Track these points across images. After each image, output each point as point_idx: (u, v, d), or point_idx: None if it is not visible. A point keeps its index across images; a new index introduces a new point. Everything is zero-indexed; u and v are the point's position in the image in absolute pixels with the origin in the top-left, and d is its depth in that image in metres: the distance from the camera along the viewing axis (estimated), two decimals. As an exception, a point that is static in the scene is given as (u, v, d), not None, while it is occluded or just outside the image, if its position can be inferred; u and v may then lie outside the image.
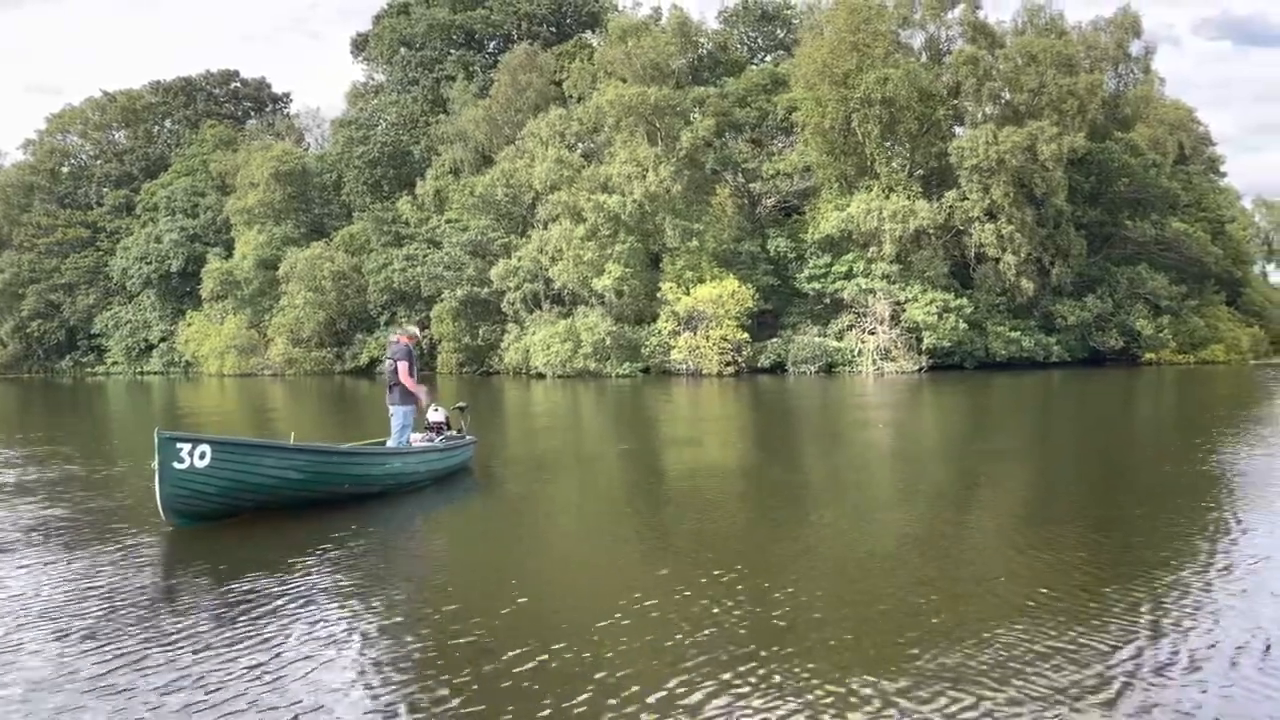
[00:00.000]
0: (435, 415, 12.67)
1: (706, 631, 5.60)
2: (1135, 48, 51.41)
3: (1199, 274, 49.69)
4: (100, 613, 6.17)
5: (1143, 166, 47.77)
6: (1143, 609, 5.90)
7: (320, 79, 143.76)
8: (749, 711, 4.48)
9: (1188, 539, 7.88)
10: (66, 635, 5.73)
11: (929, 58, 48.51)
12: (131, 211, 74.77)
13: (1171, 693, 4.61)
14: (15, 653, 5.44)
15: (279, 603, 6.32)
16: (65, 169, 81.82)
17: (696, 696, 4.63)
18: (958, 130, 47.52)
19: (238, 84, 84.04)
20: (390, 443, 11.70)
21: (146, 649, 5.43)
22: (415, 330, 13.00)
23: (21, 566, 7.63)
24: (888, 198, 43.98)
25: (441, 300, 51.21)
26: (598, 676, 4.89)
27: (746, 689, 4.74)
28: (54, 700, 4.73)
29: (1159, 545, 7.67)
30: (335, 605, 6.31)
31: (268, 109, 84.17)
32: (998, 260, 44.43)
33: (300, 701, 4.66)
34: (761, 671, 4.94)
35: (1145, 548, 7.60)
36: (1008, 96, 45.47)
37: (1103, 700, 4.55)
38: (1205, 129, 65.06)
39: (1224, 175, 68.81)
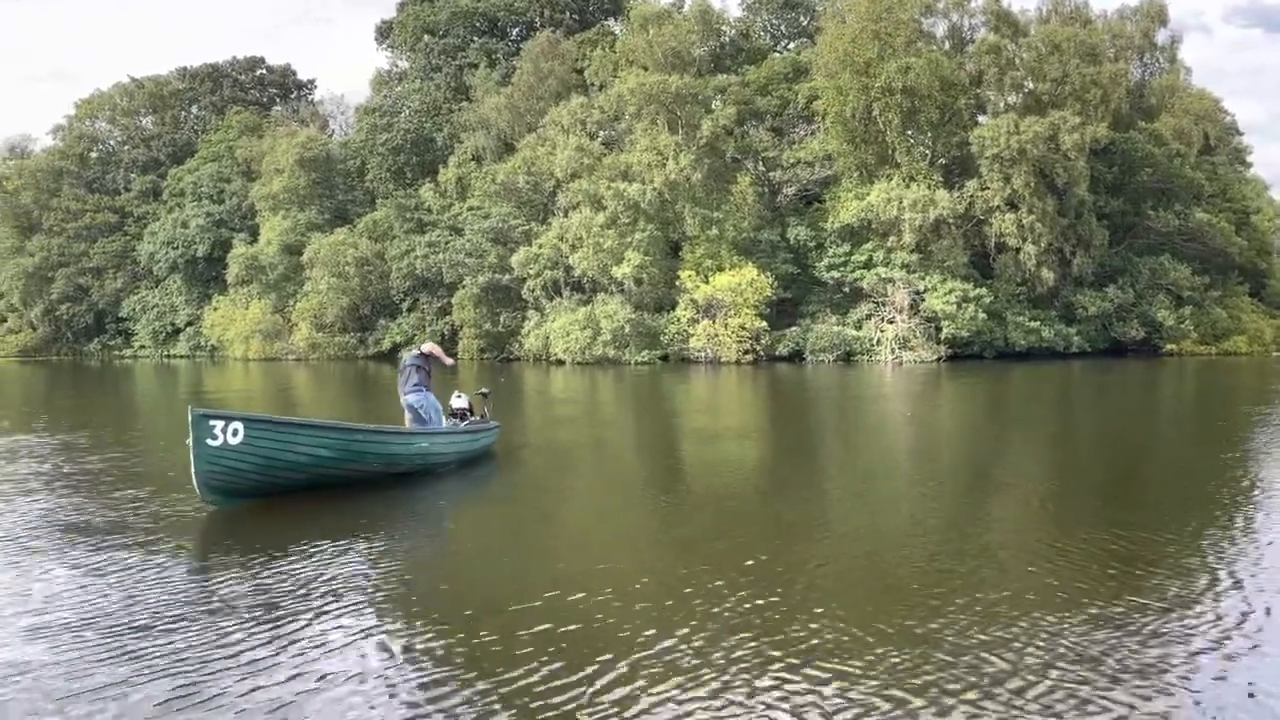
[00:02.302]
0: (458, 401, 12.96)
1: (725, 611, 5.76)
2: (1161, 37, 51.14)
3: (1222, 265, 49.37)
4: (132, 593, 6.39)
5: (1166, 156, 47.49)
6: (1169, 593, 6.03)
7: (332, 64, 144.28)
8: (769, 690, 4.60)
9: (1214, 531, 7.88)
10: (100, 614, 5.94)
11: (951, 46, 48.32)
12: (158, 197, 75.62)
13: (1200, 677, 4.71)
14: (49, 630, 5.62)
15: (308, 584, 6.51)
16: (94, 154, 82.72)
17: (714, 678, 4.75)
18: (980, 119, 47.35)
19: (263, 70, 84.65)
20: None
21: (175, 630, 5.61)
22: (432, 347, 12.44)
23: (57, 544, 8.00)
24: (908, 187, 43.94)
25: (463, 287, 51.65)
26: (620, 660, 5.01)
27: (764, 670, 4.87)
28: (85, 676, 4.89)
29: (1184, 536, 7.67)
30: (364, 587, 6.49)
31: (293, 95, 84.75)
32: (1018, 250, 44.34)
33: (326, 681, 4.84)
34: (779, 654, 5.07)
35: (1171, 539, 7.57)
36: (1030, 86, 45.29)
37: (1118, 678, 4.70)
38: (1232, 118, 64.34)
39: (1250, 165, 68.04)
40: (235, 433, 8.77)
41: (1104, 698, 4.49)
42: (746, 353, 43.48)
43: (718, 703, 4.48)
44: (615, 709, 4.42)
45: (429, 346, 12.11)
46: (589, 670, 4.87)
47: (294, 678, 4.84)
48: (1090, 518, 8.58)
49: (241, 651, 5.17)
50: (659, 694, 4.58)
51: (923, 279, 43.91)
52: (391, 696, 4.60)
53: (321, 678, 4.83)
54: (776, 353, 44.80)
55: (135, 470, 12.08)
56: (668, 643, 5.24)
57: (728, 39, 56.19)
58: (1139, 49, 50.33)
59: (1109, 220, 46.98)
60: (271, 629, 5.54)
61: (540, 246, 48.64)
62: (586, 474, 12.23)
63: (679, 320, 45.26)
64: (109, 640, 5.38)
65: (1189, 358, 43.99)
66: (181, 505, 9.25)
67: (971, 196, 44.26)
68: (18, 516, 8.97)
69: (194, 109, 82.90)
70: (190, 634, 5.47)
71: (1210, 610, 5.73)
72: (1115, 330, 45.93)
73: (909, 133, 45.67)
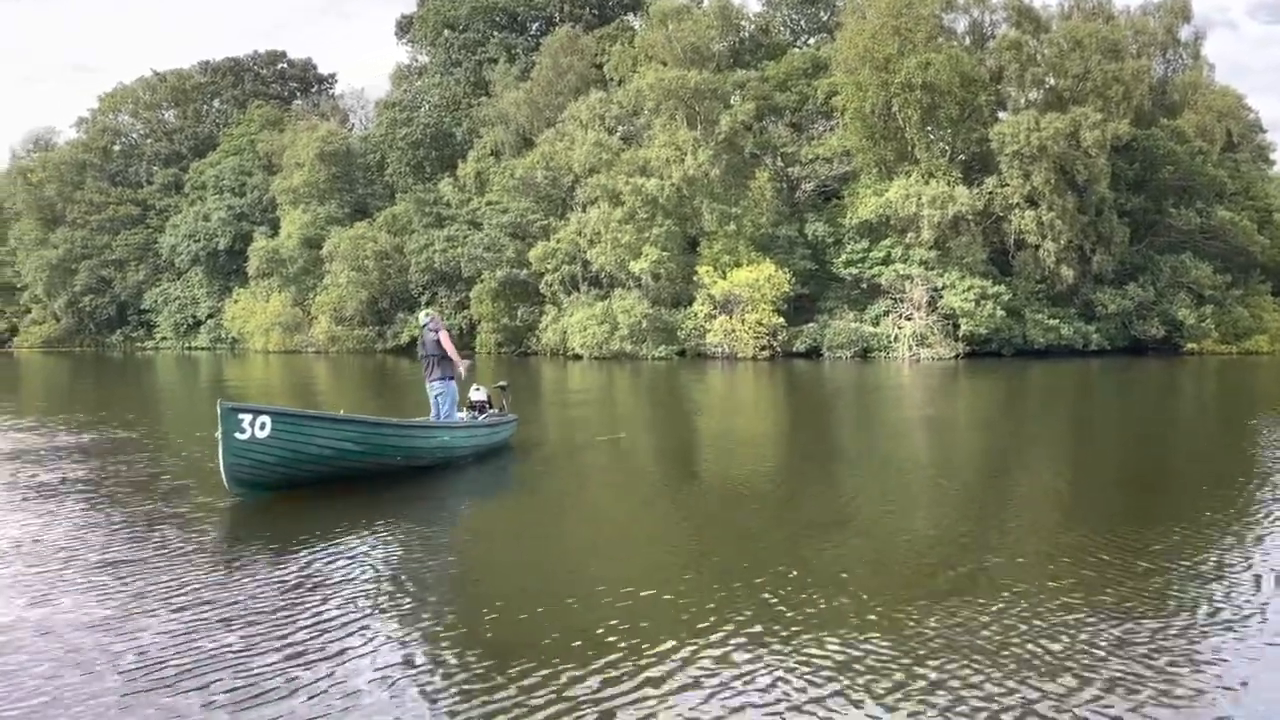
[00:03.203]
0: (477, 394, 13.11)
1: (742, 606, 5.86)
2: (1185, 33, 50.67)
3: (1244, 263, 48.91)
4: (161, 582, 6.57)
5: (1189, 154, 47.12)
6: (1191, 590, 6.12)
7: (353, 57, 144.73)
8: (788, 681, 4.68)
9: (1237, 527, 7.89)
10: (129, 600, 6.14)
11: (972, 42, 48.07)
12: (180, 190, 76.26)
13: (1223, 671, 4.80)
14: (79, 613, 5.79)
15: (332, 575, 6.66)
16: (116, 147, 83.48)
17: (731, 668, 4.84)
18: (1000, 116, 47.13)
19: (284, 64, 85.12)
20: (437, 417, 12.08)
21: (202, 616, 5.77)
22: (431, 310, 13.06)
23: (86, 534, 8.21)
24: (927, 183, 43.79)
25: (481, 281, 51.87)
26: (637, 656, 5.08)
27: (781, 658, 4.96)
28: (117, 660, 5.04)
29: (1207, 533, 7.69)
30: (386, 578, 6.64)
31: (313, 90, 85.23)
32: (1038, 247, 44.10)
33: (347, 666, 4.99)
34: (796, 643, 5.16)
35: (1193, 536, 7.61)
36: (1052, 82, 45.02)
37: (1139, 672, 4.78)
38: (1255, 115, 63.60)
39: (1274, 163, 67.24)
40: (263, 426, 8.94)
41: (1126, 689, 4.56)
42: (763, 349, 43.50)
43: (737, 698, 4.53)
44: (631, 704, 4.47)
45: (444, 338, 12.06)
46: (602, 665, 4.93)
47: (316, 668, 4.95)
48: (1115, 514, 8.63)
49: (267, 642, 5.32)
50: (677, 690, 4.63)
51: (941, 276, 43.78)
52: (411, 688, 4.69)
53: (344, 670, 4.95)
54: (793, 349, 44.80)
55: (162, 461, 12.31)
56: (685, 638, 5.30)
57: (747, 34, 56.09)
58: (1162, 45, 49.92)
59: (1130, 218, 46.67)
60: (293, 622, 5.69)
61: (558, 241, 48.80)
62: (603, 468, 12.32)
63: (696, 316, 45.33)
64: (133, 633, 5.54)
65: (1209, 357, 43.70)
66: (206, 497, 9.44)
67: (991, 193, 44.07)
68: (52, 506, 9.19)
69: (215, 102, 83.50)
70: (218, 624, 5.63)
71: (1233, 605, 5.78)
72: (1135, 328, 45.66)
73: (928, 129, 45.49)
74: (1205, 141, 48.86)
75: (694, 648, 5.16)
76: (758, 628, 5.47)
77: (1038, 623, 5.50)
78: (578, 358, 46.06)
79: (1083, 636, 5.31)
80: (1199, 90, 52.43)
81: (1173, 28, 49.78)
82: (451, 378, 12.05)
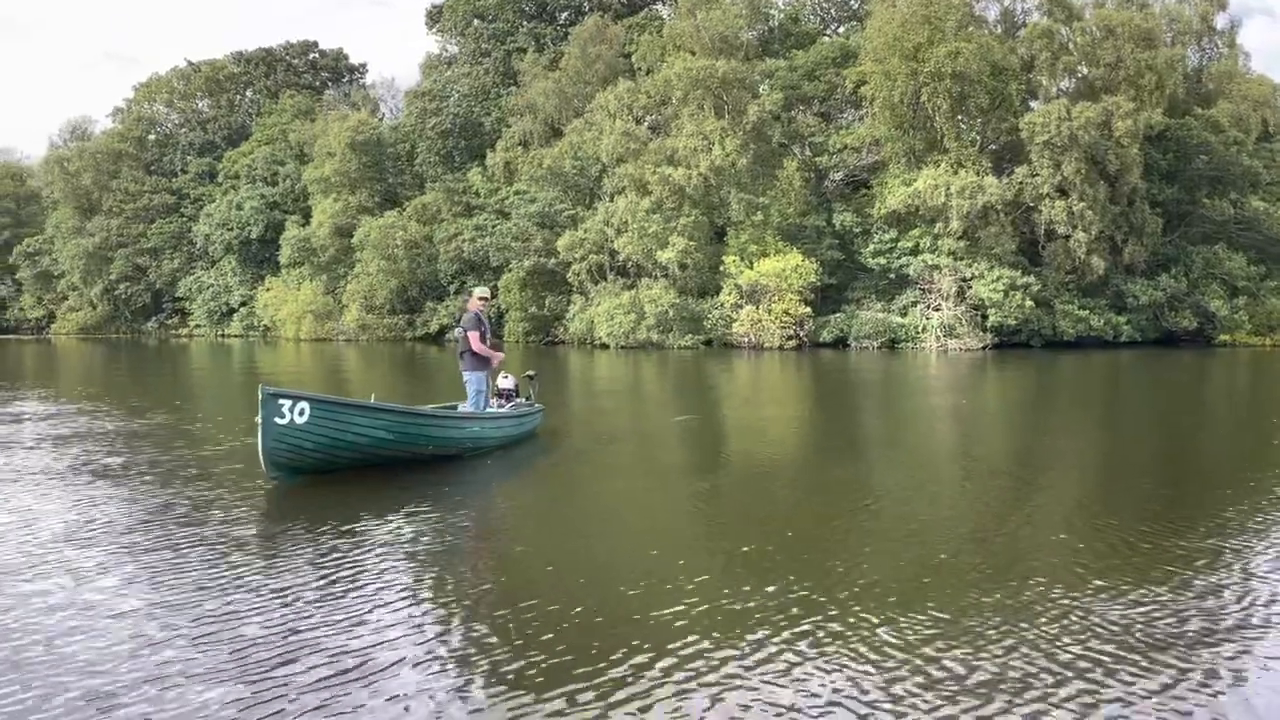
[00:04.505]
0: (505, 383, 13.30)
1: (769, 595, 5.94)
2: (1221, 20, 50.02)
3: (1279, 254, 48.34)
4: (198, 560, 6.87)
5: (1223, 143, 46.57)
6: (1224, 583, 6.16)
7: (386, 46, 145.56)
8: (812, 671, 4.75)
9: (1270, 521, 7.87)
10: (166, 576, 6.41)
11: (1004, 30, 47.73)
12: (214, 179, 77.29)
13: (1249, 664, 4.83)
14: (119, 589, 6.04)
15: (364, 558, 6.87)
16: (152, 137, 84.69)
17: (758, 661, 4.89)
18: (1031, 105, 46.77)
19: (316, 55, 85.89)
20: (466, 407, 12.27)
21: (238, 594, 6.02)
22: (485, 291, 12.79)
23: (137, 510, 8.54)
24: (956, 173, 43.59)
25: (509, 270, 52.26)
26: (662, 643, 5.16)
27: (805, 648, 5.04)
28: (167, 639, 5.26)
29: (1239, 526, 7.66)
30: (419, 561, 6.84)
31: (344, 79, 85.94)
32: (1068, 237, 43.81)
33: (375, 650, 5.17)
34: (820, 635, 5.22)
35: (1223, 528, 7.57)
36: (1084, 71, 44.65)
37: (1165, 661, 4.85)
38: (1293, 104, 62.67)
39: (1312, 152, 66.20)
40: (302, 412, 9.20)
41: (1147, 679, 4.62)
42: (790, 338, 43.58)
43: (764, 687, 4.58)
44: (655, 692, 4.52)
45: (474, 338, 12.00)
46: (625, 652, 5.01)
47: (346, 652, 5.14)
48: (1149, 504, 8.65)
49: (306, 619, 5.58)
50: (699, 679, 4.68)
51: (970, 266, 43.61)
52: (440, 673, 4.81)
53: (376, 655, 5.10)
54: (820, 339, 44.82)
55: (203, 445, 12.67)
56: (709, 627, 5.38)
57: (776, 23, 55.98)
58: (1197, 33, 49.32)
59: (1162, 208, 46.23)
60: (331, 602, 5.94)
61: (585, 231, 49.05)
62: (629, 459, 12.44)
63: (723, 305, 45.45)
64: (176, 612, 5.83)
65: (1242, 349, 43.24)
66: (247, 481, 9.76)
67: (1021, 183, 43.80)
68: (101, 489, 9.55)
69: (249, 92, 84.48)
70: (258, 606, 5.92)
71: (1263, 599, 5.84)
72: (1167, 320, 45.27)
73: (958, 118, 45.24)
74: (1240, 131, 48.25)
75: (727, 635, 5.24)
76: (793, 614, 5.54)
77: (1074, 611, 5.55)
78: (604, 347, 46.31)
79: (1114, 618, 5.38)
80: (1234, 79, 51.74)
81: (1208, 15, 49.15)
82: (480, 368, 12.17)
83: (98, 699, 4.43)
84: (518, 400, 13.37)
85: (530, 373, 14.94)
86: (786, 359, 37.10)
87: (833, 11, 62.92)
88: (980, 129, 45.81)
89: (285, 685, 4.57)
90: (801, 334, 43.97)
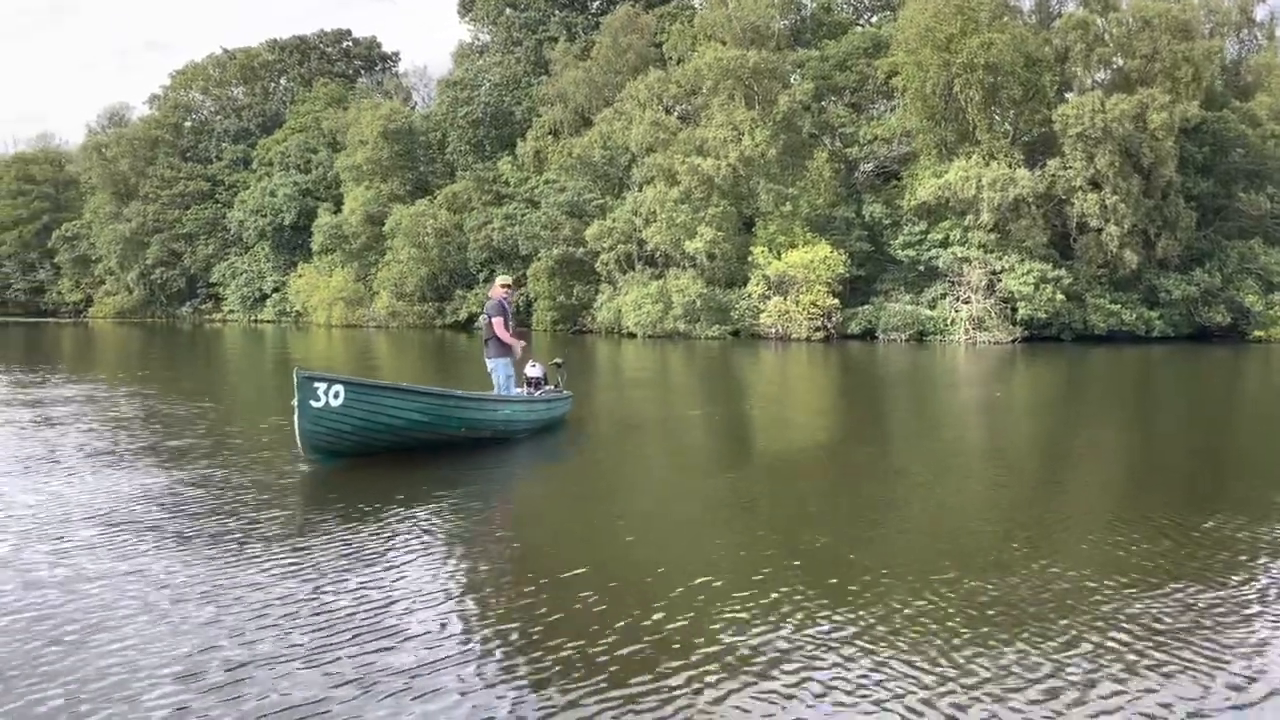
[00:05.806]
0: (533, 370, 13.51)
1: (799, 584, 6.02)
2: (1260, 12, 49.18)
3: (1317, 250, 47.59)
4: (235, 537, 7.16)
5: (1260, 137, 45.88)
6: (1255, 578, 6.20)
7: (418, 34, 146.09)
8: (839, 660, 4.82)
9: None
10: (203, 552, 6.71)
11: (1038, 21, 47.23)
12: (248, 166, 78.11)
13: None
14: (168, 573, 6.23)
15: (397, 539, 7.08)
16: (187, 124, 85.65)
17: (784, 652, 4.95)
18: (1065, 97, 46.26)
19: (349, 43, 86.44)
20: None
21: (273, 572, 6.23)
22: (507, 279, 13.02)
23: (179, 491, 8.85)
24: (987, 165, 43.25)
25: (538, 259, 52.52)
26: (695, 631, 5.24)
27: (830, 638, 5.13)
28: (206, 619, 5.43)
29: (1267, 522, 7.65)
30: (451, 544, 7.03)
31: (377, 68, 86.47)
32: (1100, 231, 43.33)
33: (405, 630, 5.33)
34: (851, 629, 5.27)
35: (1251, 524, 7.54)
36: (1119, 63, 44.10)
37: (1188, 655, 4.93)
38: (1335, 97, 61.49)
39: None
40: (337, 395, 9.47)
41: (1171, 671, 4.70)
42: (818, 330, 43.55)
43: (791, 677, 4.64)
44: (693, 685, 4.56)
45: (498, 324, 12.25)
46: (663, 644, 5.07)
47: (376, 634, 5.31)
48: (1179, 498, 8.70)
49: (342, 601, 5.83)
50: (725, 669, 4.74)
51: (1000, 259, 43.30)
52: (464, 658, 4.91)
53: (394, 621, 5.34)
54: (848, 331, 44.75)
55: (239, 427, 13.01)
56: (736, 615, 5.47)
57: (808, 13, 55.72)
58: (1235, 25, 48.53)
59: (1197, 202, 45.62)
60: (363, 582, 6.18)
61: (614, 220, 49.20)
62: (657, 446, 12.58)
63: (750, 296, 45.47)
64: (217, 593, 6.08)
65: (1276, 345, 42.68)
66: (284, 464, 10.05)
67: (1053, 176, 43.39)
68: (141, 471, 9.88)
69: (283, 80, 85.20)
70: (297, 584, 6.16)
71: None
72: (1200, 315, 44.73)
73: (991, 110, 44.84)
74: (1278, 124, 47.49)
75: (753, 624, 5.31)
76: (818, 604, 5.62)
77: (1103, 606, 5.60)
78: (632, 336, 46.49)
79: (1143, 612, 5.45)
80: (1273, 72, 50.85)
81: (1247, 7, 48.36)
82: (503, 355, 12.41)
83: (136, 677, 4.53)
84: (547, 387, 13.59)
85: (558, 360, 15.14)
86: (814, 350, 37.11)
87: (865, 1, 62.46)
88: (1013, 121, 45.40)
89: (322, 671, 4.65)
90: (829, 325, 43.93)
